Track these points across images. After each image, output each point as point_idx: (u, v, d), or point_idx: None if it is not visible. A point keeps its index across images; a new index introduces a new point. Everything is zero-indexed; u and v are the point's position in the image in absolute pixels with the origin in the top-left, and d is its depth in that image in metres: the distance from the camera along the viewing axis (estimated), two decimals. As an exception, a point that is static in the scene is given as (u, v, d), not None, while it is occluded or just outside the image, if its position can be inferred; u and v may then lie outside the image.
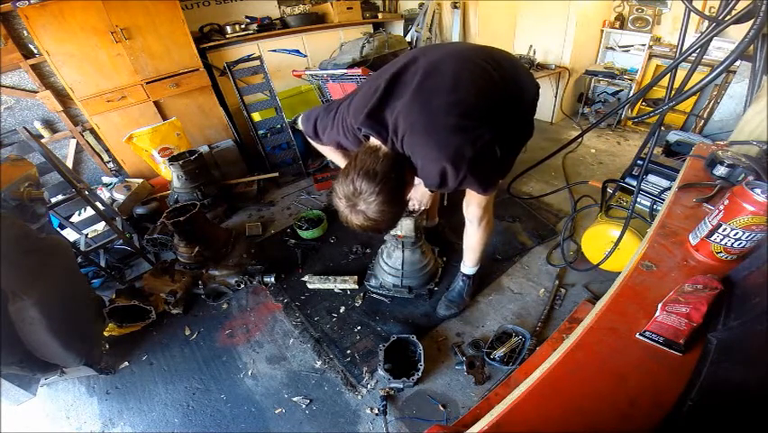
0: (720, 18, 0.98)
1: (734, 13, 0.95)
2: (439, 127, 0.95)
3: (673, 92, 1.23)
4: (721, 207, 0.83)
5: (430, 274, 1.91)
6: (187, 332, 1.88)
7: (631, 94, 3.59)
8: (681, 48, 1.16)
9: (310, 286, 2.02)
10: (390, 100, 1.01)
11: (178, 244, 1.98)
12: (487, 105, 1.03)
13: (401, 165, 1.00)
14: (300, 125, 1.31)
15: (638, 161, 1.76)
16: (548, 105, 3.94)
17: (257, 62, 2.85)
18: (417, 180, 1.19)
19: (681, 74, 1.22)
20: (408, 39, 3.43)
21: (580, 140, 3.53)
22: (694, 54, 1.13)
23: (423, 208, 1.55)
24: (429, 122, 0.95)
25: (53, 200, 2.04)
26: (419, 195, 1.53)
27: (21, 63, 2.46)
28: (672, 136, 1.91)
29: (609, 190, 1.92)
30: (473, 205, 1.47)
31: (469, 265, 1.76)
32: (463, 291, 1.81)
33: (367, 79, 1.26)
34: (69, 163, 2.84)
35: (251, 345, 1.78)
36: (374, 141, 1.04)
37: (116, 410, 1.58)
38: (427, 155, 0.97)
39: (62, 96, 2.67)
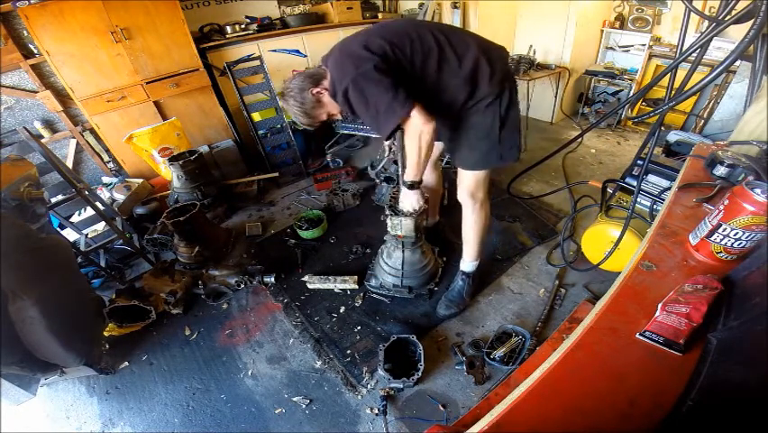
0: (720, 18, 0.98)
1: (734, 13, 0.95)
2: (344, 51, 1.24)
3: (673, 92, 1.23)
4: (721, 207, 0.83)
5: (430, 274, 1.91)
6: (187, 332, 1.88)
7: (631, 94, 3.59)
8: (681, 48, 1.16)
9: (310, 286, 2.02)
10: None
11: (178, 244, 1.98)
12: (394, 45, 1.19)
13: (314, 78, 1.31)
14: (395, 112, 1.21)
15: (638, 162, 1.76)
16: (548, 105, 3.94)
17: (257, 62, 2.85)
18: (403, 193, 1.48)
19: (681, 74, 1.22)
20: (408, 39, 3.43)
21: (580, 140, 3.53)
22: (694, 54, 1.13)
23: (421, 209, 1.54)
24: (342, 47, 1.26)
25: (53, 200, 2.04)
26: (408, 201, 1.52)
27: (21, 63, 2.46)
28: (672, 136, 1.91)
29: (609, 190, 1.93)
30: (461, 190, 1.47)
31: (468, 261, 1.76)
32: (463, 291, 1.80)
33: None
34: (69, 163, 2.84)
35: (251, 345, 1.78)
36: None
37: (116, 410, 1.58)
38: (333, 69, 1.26)
39: (62, 96, 2.67)
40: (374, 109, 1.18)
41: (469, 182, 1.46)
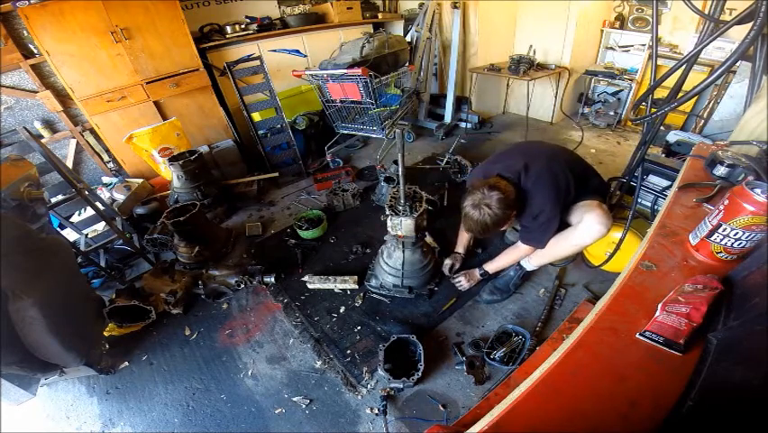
0: (720, 18, 0.98)
1: (734, 13, 0.95)
2: (554, 185, 1.51)
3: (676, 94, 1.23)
4: (721, 207, 0.83)
5: (430, 274, 1.90)
6: (187, 332, 1.88)
7: (631, 94, 3.59)
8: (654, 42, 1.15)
9: (310, 286, 2.02)
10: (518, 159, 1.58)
11: (178, 244, 1.98)
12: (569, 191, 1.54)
13: (515, 197, 1.49)
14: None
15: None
16: (548, 105, 3.94)
17: (257, 62, 2.85)
18: (471, 272, 1.92)
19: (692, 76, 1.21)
20: (408, 39, 3.43)
21: (580, 140, 3.54)
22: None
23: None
24: (551, 179, 1.51)
25: (53, 200, 2.04)
26: (468, 283, 1.90)
27: (21, 63, 2.46)
28: (673, 136, 1.91)
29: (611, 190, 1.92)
30: (597, 220, 1.52)
31: (534, 264, 1.78)
32: (511, 281, 1.84)
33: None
34: (69, 163, 2.84)
35: (251, 345, 1.78)
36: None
37: (116, 410, 1.58)
38: (543, 191, 1.51)
39: (62, 97, 2.67)
40: (540, 230, 1.57)
41: (597, 211, 1.54)
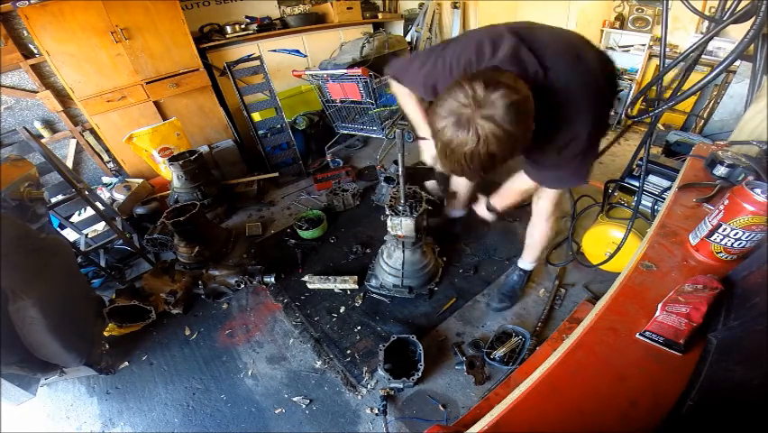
0: (720, 18, 0.98)
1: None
2: (597, 95, 0.98)
3: (678, 92, 1.23)
4: (721, 207, 0.83)
5: (430, 274, 1.90)
6: (187, 332, 1.88)
7: (631, 94, 3.59)
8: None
9: (310, 286, 2.02)
10: (525, 43, 0.95)
11: (178, 244, 1.98)
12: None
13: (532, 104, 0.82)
14: (389, 69, 1.35)
15: (639, 162, 1.77)
16: (548, 105, 3.94)
17: (257, 62, 2.85)
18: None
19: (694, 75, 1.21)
20: (408, 39, 3.44)
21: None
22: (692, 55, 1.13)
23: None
24: (593, 83, 0.96)
25: (53, 200, 2.04)
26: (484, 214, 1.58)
27: (21, 63, 2.46)
28: (672, 136, 1.91)
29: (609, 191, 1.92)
30: (544, 199, 1.47)
31: (528, 261, 1.78)
32: (517, 286, 1.83)
33: (460, 43, 1.10)
34: (69, 163, 2.84)
35: (251, 345, 1.78)
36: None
37: (116, 410, 1.58)
38: (584, 101, 0.96)
39: (62, 97, 2.67)
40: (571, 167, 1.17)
41: (552, 197, 1.45)
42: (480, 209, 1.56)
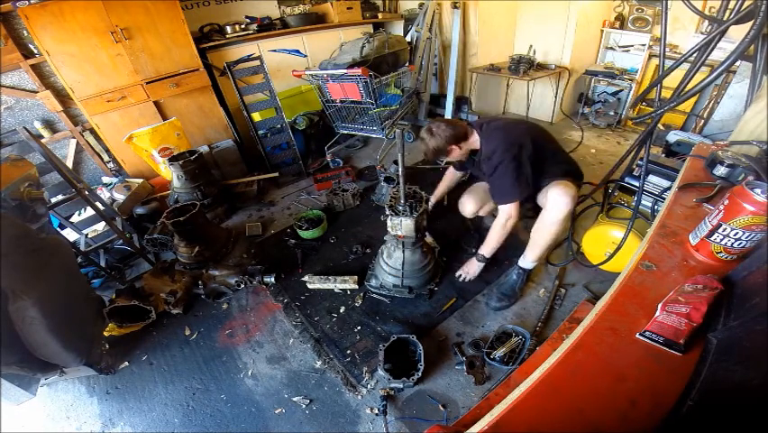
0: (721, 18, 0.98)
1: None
2: (508, 135, 1.63)
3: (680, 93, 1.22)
4: (721, 207, 0.83)
5: (430, 274, 1.90)
6: (187, 332, 1.88)
7: (631, 94, 3.59)
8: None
9: (310, 286, 2.02)
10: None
11: (178, 244, 1.98)
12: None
13: (464, 135, 1.69)
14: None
15: (639, 162, 1.76)
16: (548, 105, 3.94)
17: (257, 62, 2.85)
18: (470, 262, 1.93)
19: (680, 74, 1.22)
20: (408, 39, 3.43)
21: (580, 140, 3.54)
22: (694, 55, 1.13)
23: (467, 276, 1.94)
24: (505, 131, 1.66)
25: (53, 200, 2.04)
26: (472, 270, 1.93)
27: (21, 63, 2.46)
28: (672, 136, 1.91)
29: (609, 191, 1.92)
30: (560, 193, 1.57)
31: (529, 259, 1.79)
32: (516, 285, 1.83)
33: None
34: (69, 163, 2.84)
35: (251, 345, 1.78)
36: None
37: (116, 410, 1.58)
38: (496, 134, 1.64)
39: (62, 97, 2.67)
40: (500, 178, 1.62)
41: (567, 190, 1.59)
42: (470, 268, 1.94)
